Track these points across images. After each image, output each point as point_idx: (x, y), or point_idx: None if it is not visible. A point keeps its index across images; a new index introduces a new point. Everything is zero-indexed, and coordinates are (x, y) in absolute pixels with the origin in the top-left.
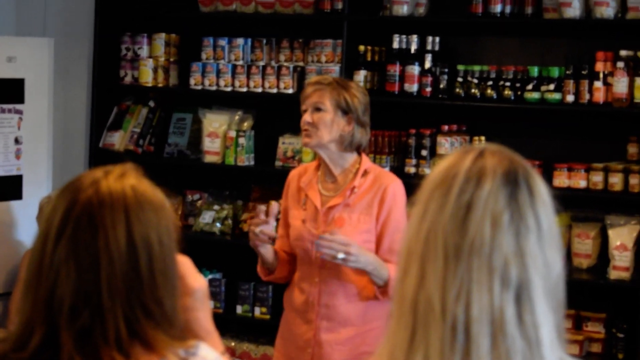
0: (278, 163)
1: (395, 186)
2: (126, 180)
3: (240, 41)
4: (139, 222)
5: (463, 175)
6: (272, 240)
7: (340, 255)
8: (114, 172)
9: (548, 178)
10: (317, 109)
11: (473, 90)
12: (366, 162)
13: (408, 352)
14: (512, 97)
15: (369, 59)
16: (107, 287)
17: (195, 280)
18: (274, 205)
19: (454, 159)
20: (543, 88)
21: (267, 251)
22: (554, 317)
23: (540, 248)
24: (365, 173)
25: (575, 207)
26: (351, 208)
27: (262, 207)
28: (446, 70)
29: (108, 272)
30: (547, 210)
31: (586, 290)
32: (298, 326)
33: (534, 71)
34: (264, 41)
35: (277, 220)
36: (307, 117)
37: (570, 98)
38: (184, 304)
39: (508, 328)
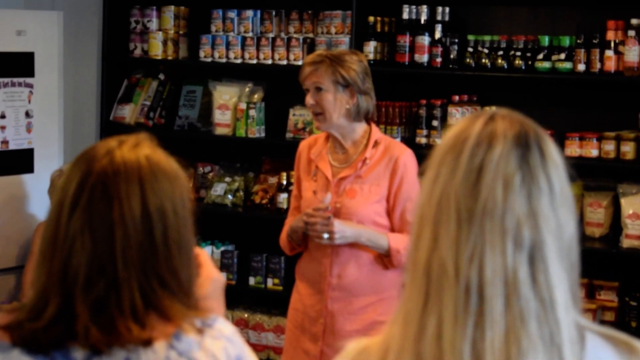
0: (289, 135)
1: (407, 156)
2: (140, 150)
3: (249, 13)
4: (153, 192)
5: (474, 139)
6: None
7: (325, 236)
8: (128, 141)
9: (560, 147)
10: (318, 89)
11: (483, 60)
12: (376, 132)
13: (422, 315)
14: (523, 67)
15: (378, 29)
16: (122, 257)
17: (214, 270)
18: (327, 197)
19: (464, 124)
20: (554, 57)
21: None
22: (568, 278)
23: (552, 209)
24: (376, 144)
25: (587, 176)
26: (362, 179)
27: (321, 204)
28: (456, 40)
29: (123, 242)
30: (559, 172)
31: (599, 259)
32: (310, 297)
33: (545, 40)
34: (273, 13)
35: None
36: (309, 99)
37: (581, 67)
38: (203, 292)
39: (522, 289)
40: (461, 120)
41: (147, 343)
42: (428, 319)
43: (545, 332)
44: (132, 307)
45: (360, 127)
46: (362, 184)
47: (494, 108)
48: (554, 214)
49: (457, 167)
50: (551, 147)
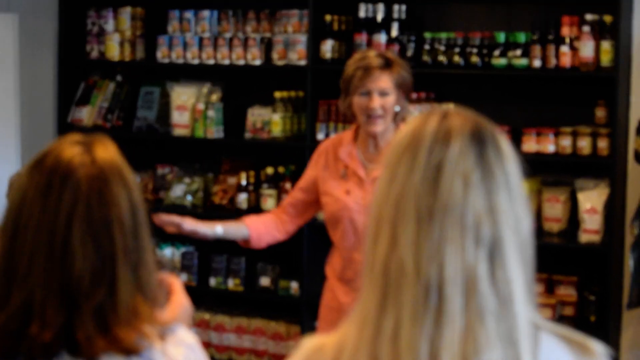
0: (247, 135)
1: None
2: (111, 149)
3: (206, 13)
4: (134, 190)
5: (430, 137)
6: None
7: None
8: (95, 143)
9: (517, 143)
10: (384, 93)
11: (440, 58)
12: None
13: (379, 316)
14: (480, 64)
15: (335, 28)
16: (122, 259)
17: (185, 298)
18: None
19: (417, 123)
20: (510, 54)
21: (227, 232)
22: (524, 273)
23: (510, 204)
24: None
25: (545, 171)
26: None
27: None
28: (413, 38)
29: (122, 243)
30: (514, 167)
31: (557, 254)
32: (345, 295)
33: (501, 37)
34: (230, 13)
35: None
36: (376, 104)
37: (537, 63)
38: (172, 317)
39: (481, 286)
40: (414, 118)
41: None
42: (385, 320)
43: (503, 329)
44: (126, 311)
45: (393, 127)
46: None
47: (450, 105)
48: (512, 209)
49: (414, 166)
50: (505, 142)
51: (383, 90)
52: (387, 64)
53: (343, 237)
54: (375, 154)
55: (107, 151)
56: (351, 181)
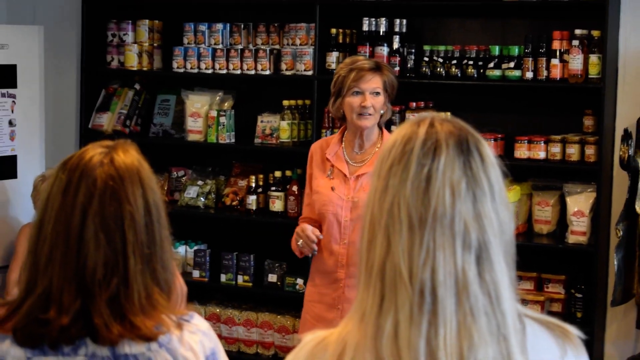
0: (257, 140)
1: None
2: (133, 154)
3: (219, 26)
4: (151, 191)
5: (419, 150)
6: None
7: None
8: (118, 147)
9: (509, 150)
10: (377, 93)
11: (438, 69)
12: (387, 134)
13: (378, 315)
14: (475, 75)
15: (340, 41)
16: (132, 254)
17: (180, 279)
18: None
19: (406, 133)
20: (504, 66)
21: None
22: (509, 272)
23: (494, 210)
24: None
25: (536, 176)
26: None
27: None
28: (413, 50)
29: (133, 239)
30: (496, 171)
31: (547, 254)
32: (326, 286)
33: (495, 50)
34: (242, 26)
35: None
36: (368, 102)
37: (529, 75)
38: (175, 300)
39: (471, 287)
40: (401, 127)
41: (152, 337)
42: (384, 320)
43: (493, 325)
44: (139, 300)
45: (377, 130)
46: None
47: (449, 116)
48: (496, 214)
49: (406, 177)
50: (487, 149)
51: (374, 90)
52: (378, 67)
53: (328, 230)
54: (360, 154)
55: (127, 154)
56: (336, 179)
